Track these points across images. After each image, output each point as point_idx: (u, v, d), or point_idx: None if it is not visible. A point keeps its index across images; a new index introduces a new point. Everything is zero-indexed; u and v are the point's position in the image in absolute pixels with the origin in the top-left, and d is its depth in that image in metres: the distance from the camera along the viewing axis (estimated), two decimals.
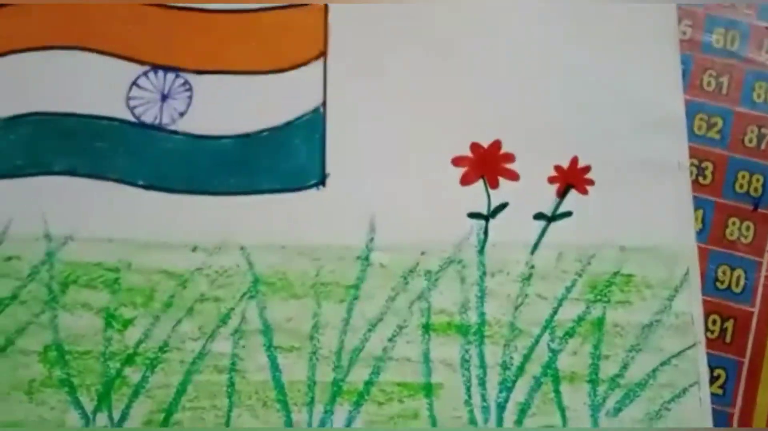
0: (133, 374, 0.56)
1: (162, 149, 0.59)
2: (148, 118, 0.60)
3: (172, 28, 0.61)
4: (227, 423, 0.55)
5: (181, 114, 0.60)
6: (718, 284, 0.58)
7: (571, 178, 0.58)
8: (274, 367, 0.56)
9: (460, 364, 0.55)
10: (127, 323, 0.56)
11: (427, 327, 0.56)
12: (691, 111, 0.60)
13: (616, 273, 0.56)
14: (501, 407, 0.55)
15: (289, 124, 0.59)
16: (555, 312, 0.56)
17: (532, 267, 0.57)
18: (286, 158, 0.59)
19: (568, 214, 0.57)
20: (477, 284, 0.56)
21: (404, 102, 0.59)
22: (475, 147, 0.58)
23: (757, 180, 0.59)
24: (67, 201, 0.58)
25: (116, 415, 0.55)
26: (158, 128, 0.59)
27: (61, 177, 0.58)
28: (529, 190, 0.58)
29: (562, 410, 0.55)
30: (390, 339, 0.56)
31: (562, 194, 0.57)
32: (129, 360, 0.56)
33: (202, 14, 0.61)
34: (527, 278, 0.56)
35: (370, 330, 0.56)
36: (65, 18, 0.61)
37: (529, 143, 0.58)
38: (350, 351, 0.56)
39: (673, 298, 0.57)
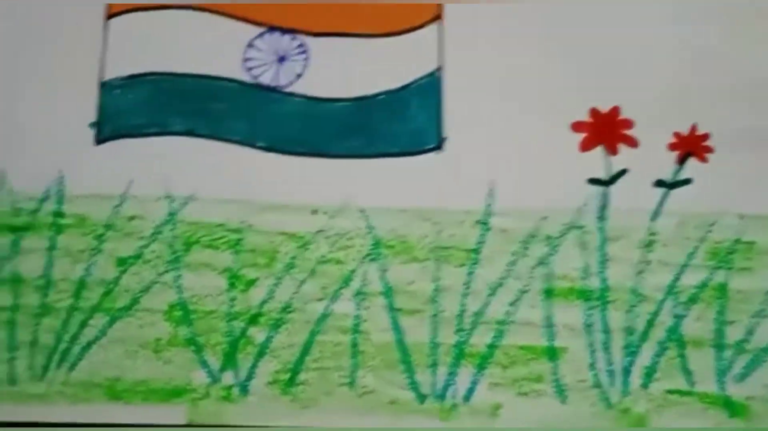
0: (257, 334, 0.56)
1: (280, 111, 0.59)
2: (264, 80, 0.60)
3: None
4: (351, 384, 0.55)
5: (298, 76, 0.60)
6: None
7: (691, 145, 0.58)
8: (397, 329, 0.56)
9: (584, 329, 0.56)
10: (251, 283, 0.56)
11: (549, 292, 0.56)
12: None
13: (737, 241, 0.57)
14: (626, 371, 0.55)
15: (405, 87, 0.59)
16: (677, 278, 0.56)
17: (653, 233, 0.57)
18: (403, 121, 0.59)
19: (688, 181, 0.57)
20: (598, 250, 0.56)
21: (522, 67, 0.59)
22: (594, 112, 0.58)
23: None
24: (188, 161, 0.58)
25: (242, 374, 0.55)
26: (275, 90, 0.59)
27: (180, 137, 0.58)
28: (648, 157, 0.58)
29: (689, 374, 0.55)
30: (512, 304, 0.56)
31: (681, 161, 0.57)
32: (253, 320, 0.56)
33: None
34: (648, 245, 0.57)
35: (491, 295, 0.56)
36: None
37: (647, 110, 0.58)
38: (472, 315, 0.56)
39: None
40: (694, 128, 0.58)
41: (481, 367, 0.56)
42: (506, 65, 0.59)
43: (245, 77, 0.60)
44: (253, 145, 0.59)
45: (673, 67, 0.59)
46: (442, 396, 0.55)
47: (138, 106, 0.59)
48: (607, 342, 0.56)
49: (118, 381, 0.55)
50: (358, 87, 0.59)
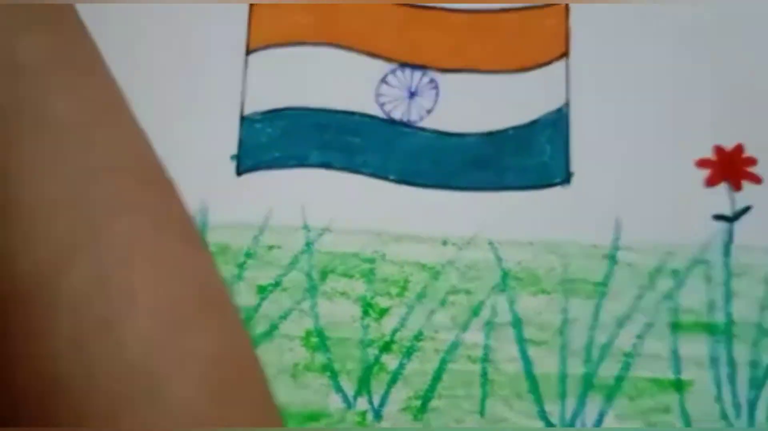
0: (390, 361, 0.58)
1: (411, 145, 0.61)
2: (396, 115, 0.62)
3: (416, 26, 0.63)
4: (482, 412, 0.57)
5: (428, 111, 0.62)
6: None
7: None
8: (526, 359, 0.58)
9: (709, 362, 0.57)
10: (383, 312, 0.59)
11: (675, 326, 0.57)
12: None
13: None
14: (752, 404, 0.56)
15: (534, 122, 0.61)
16: None
17: None
18: (531, 156, 0.61)
19: None
20: (723, 285, 0.58)
21: (646, 102, 0.61)
22: (718, 150, 0.59)
23: None
24: (324, 193, 0.60)
25: (376, 400, 0.57)
26: (406, 125, 0.61)
27: (317, 170, 0.61)
28: None
29: None
30: (639, 336, 0.57)
31: None
32: (386, 347, 0.58)
33: (445, 13, 0.63)
34: None
35: (618, 327, 0.58)
36: (317, 16, 0.63)
37: None
38: (600, 347, 0.57)
39: None
40: None
41: (608, 398, 0.57)
42: (632, 101, 0.61)
43: (378, 112, 0.62)
44: (386, 178, 0.61)
45: None
46: (571, 426, 0.57)
47: (276, 140, 0.61)
48: (732, 376, 0.57)
49: None
50: (486, 122, 0.61)
